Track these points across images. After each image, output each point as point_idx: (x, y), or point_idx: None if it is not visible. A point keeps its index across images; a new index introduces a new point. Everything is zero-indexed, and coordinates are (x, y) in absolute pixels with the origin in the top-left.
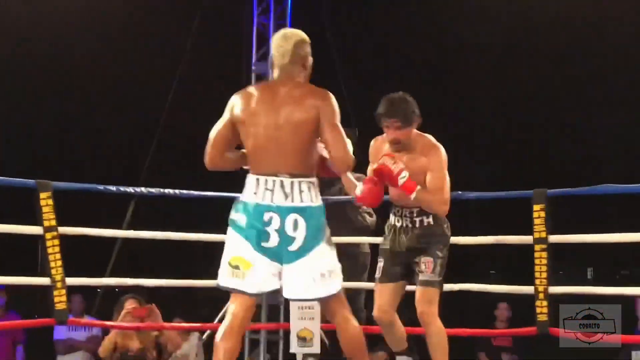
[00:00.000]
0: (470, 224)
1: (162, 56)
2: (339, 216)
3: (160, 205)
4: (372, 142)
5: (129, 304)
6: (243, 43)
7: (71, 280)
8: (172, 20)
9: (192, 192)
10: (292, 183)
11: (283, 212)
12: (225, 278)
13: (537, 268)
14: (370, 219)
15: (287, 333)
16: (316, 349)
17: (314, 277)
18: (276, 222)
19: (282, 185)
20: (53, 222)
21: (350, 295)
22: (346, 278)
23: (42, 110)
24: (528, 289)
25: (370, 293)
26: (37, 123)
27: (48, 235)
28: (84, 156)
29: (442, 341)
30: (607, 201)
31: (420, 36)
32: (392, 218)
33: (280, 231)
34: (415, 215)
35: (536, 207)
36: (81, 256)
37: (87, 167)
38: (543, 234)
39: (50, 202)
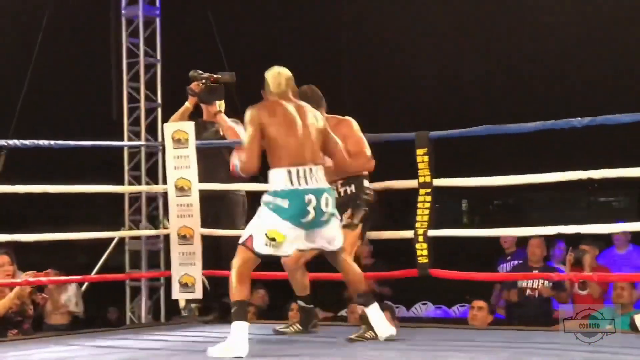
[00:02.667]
0: None
1: (27, 1)
2: (215, 159)
3: (32, 156)
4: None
5: (1, 259)
6: None
7: None
8: None
9: (67, 142)
10: (317, 170)
11: (318, 193)
12: (261, 246)
13: (419, 212)
14: None
15: (168, 280)
16: (198, 294)
17: (330, 238)
18: (314, 201)
19: (311, 172)
20: None
21: (232, 240)
22: (230, 224)
23: None
24: (408, 234)
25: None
26: None
27: None
28: None
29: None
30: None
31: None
32: None
33: (317, 208)
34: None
35: (419, 151)
36: None
37: None
38: (428, 178)
39: None
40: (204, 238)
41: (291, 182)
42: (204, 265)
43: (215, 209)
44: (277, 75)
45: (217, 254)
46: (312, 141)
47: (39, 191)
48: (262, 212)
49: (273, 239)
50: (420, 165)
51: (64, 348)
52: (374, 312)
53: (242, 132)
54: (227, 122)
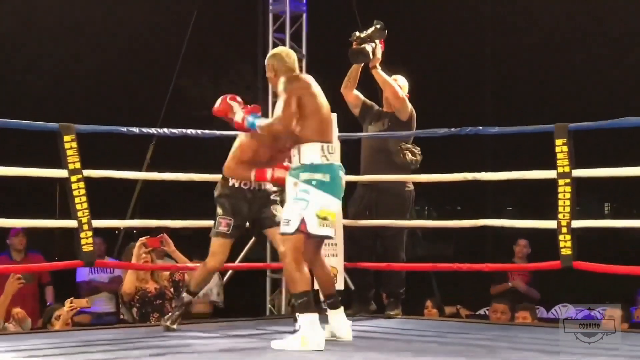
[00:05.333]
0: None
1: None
2: (379, 152)
3: (180, 146)
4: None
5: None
6: None
7: (96, 223)
8: None
9: (214, 131)
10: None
11: (341, 169)
12: (316, 227)
13: (560, 202)
14: (411, 157)
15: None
16: (340, 285)
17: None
18: (343, 177)
19: (333, 149)
20: (78, 165)
21: (394, 233)
22: (391, 216)
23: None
24: (550, 224)
25: (409, 232)
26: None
27: (73, 178)
28: (102, 100)
29: None
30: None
31: None
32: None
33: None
34: None
35: (558, 142)
36: (100, 199)
37: (105, 110)
38: (567, 169)
39: (74, 145)
40: (358, 230)
41: (325, 157)
42: (356, 258)
43: (375, 200)
44: (291, 54)
45: (371, 247)
46: (329, 120)
47: (184, 179)
48: (305, 190)
49: (325, 218)
50: (559, 156)
51: (203, 335)
52: (340, 315)
53: (398, 88)
54: (383, 77)
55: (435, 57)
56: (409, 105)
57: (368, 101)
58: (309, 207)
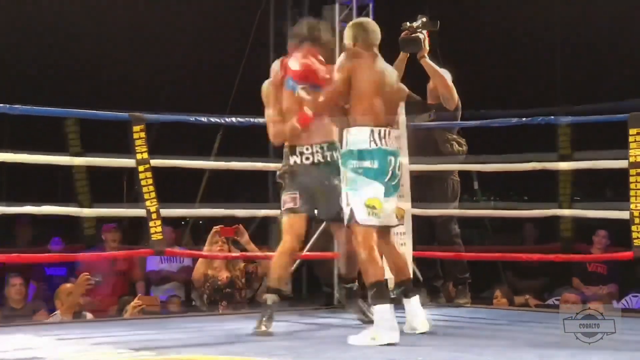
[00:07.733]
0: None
1: None
2: (426, 142)
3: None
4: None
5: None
6: None
7: (165, 212)
8: None
9: None
10: (393, 132)
11: (397, 155)
12: (364, 217)
13: (632, 192)
14: (458, 148)
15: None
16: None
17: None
18: (392, 163)
19: (389, 134)
20: (145, 155)
21: (444, 221)
22: (438, 205)
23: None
24: (623, 214)
25: (459, 220)
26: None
27: (141, 168)
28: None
29: None
30: None
31: None
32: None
33: (394, 170)
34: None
35: (632, 131)
36: (167, 188)
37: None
38: (639, 158)
39: (142, 134)
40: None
41: (374, 142)
42: (418, 248)
43: (421, 189)
44: (375, 28)
45: (431, 237)
46: (391, 103)
47: (249, 168)
48: (354, 179)
49: (373, 207)
50: (632, 145)
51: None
52: (414, 304)
53: (448, 77)
54: (432, 66)
55: (502, 43)
56: (456, 95)
57: (413, 94)
58: (357, 196)
